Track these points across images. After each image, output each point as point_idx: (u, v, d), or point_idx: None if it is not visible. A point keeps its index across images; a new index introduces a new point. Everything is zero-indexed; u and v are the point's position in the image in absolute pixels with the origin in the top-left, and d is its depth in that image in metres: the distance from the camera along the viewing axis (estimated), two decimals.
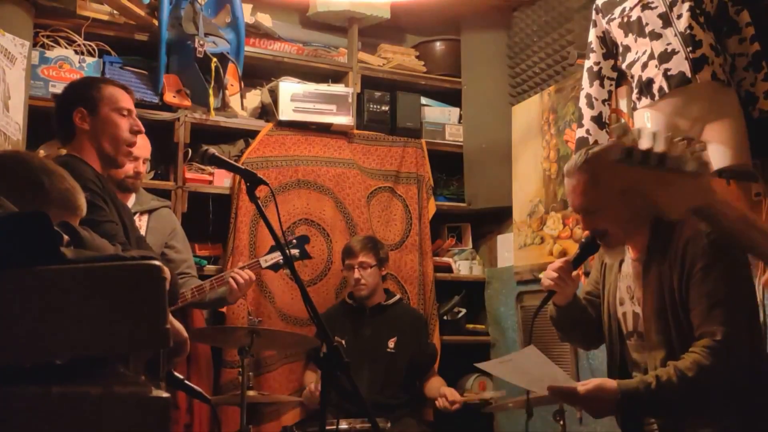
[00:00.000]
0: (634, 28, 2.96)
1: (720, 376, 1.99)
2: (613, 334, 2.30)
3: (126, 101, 2.48)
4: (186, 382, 1.84)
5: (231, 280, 3.24)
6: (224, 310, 3.81)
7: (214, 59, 3.82)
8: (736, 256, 2.08)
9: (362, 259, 3.79)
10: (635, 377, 2.18)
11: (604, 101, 3.24)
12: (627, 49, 3.01)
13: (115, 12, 3.85)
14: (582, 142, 3.22)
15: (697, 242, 2.06)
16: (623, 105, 3.36)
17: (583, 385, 2.08)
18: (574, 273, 2.33)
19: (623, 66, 3.06)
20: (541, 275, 2.40)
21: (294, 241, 3.62)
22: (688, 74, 2.79)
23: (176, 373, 1.79)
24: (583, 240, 2.38)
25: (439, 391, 3.75)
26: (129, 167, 3.02)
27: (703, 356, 1.98)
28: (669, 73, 2.83)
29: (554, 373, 2.16)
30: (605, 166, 2.13)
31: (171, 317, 1.81)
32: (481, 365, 2.47)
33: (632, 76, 2.99)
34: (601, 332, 2.37)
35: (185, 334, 2.09)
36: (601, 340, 2.41)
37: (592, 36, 3.22)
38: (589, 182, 2.15)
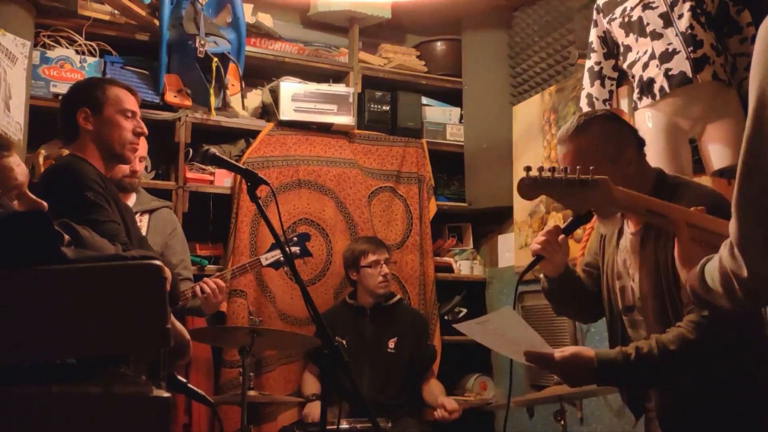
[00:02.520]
0: (635, 27, 2.96)
1: (703, 351, 1.94)
2: (613, 308, 2.27)
3: (131, 103, 2.48)
4: (189, 385, 1.83)
5: (197, 289, 3.22)
6: (224, 309, 3.81)
7: (215, 59, 3.82)
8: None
9: (387, 255, 3.84)
10: None
11: (605, 101, 3.24)
12: (628, 48, 3.01)
13: (116, 12, 3.85)
14: None
15: None
16: (624, 105, 3.35)
17: (561, 352, 2.03)
18: (561, 237, 2.22)
19: (624, 66, 3.06)
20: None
21: (294, 238, 3.62)
22: (689, 74, 2.79)
23: (179, 377, 1.79)
24: None
25: (437, 401, 3.74)
26: (125, 166, 3.02)
27: (689, 330, 1.94)
28: (670, 73, 2.83)
29: (531, 337, 2.08)
30: (597, 133, 2.10)
31: (173, 318, 1.82)
32: (459, 326, 2.33)
33: (633, 76, 2.99)
34: (599, 305, 2.33)
35: (187, 336, 2.09)
36: (599, 313, 2.36)
37: (593, 36, 3.21)
38: (581, 149, 2.10)
